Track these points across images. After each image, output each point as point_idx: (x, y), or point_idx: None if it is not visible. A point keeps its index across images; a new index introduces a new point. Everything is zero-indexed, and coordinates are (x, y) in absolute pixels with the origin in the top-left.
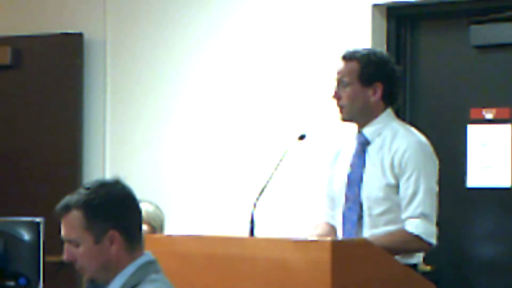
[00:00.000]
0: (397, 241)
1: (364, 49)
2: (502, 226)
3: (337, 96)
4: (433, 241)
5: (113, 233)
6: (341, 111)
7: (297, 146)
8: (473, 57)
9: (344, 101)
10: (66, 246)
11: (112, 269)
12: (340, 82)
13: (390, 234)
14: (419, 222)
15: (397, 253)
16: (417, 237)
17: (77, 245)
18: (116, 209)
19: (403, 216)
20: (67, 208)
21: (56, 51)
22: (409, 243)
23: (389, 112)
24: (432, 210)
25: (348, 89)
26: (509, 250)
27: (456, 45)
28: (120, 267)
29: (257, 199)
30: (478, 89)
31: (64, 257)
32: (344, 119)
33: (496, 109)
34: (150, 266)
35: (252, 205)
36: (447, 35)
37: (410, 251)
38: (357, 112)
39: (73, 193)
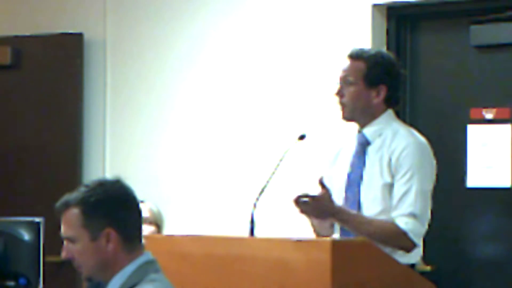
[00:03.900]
0: (385, 230)
1: (372, 49)
2: (502, 226)
3: (340, 93)
4: (419, 242)
5: (109, 231)
6: (342, 109)
7: (297, 146)
8: (473, 57)
9: (346, 100)
10: (64, 243)
11: (109, 268)
12: (344, 80)
13: (381, 221)
14: (408, 220)
15: (381, 243)
16: (404, 233)
17: (74, 242)
18: (113, 208)
19: (393, 214)
20: (66, 205)
21: (56, 51)
22: (395, 237)
23: (390, 113)
24: (423, 212)
25: (351, 88)
26: (509, 250)
27: (456, 45)
28: (118, 266)
29: (257, 199)
30: (478, 89)
31: (63, 254)
32: (345, 118)
33: (496, 109)
34: (149, 266)
35: (252, 205)
36: (447, 35)
37: (393, 245)
38: (358, 112)
39: (73, 192)
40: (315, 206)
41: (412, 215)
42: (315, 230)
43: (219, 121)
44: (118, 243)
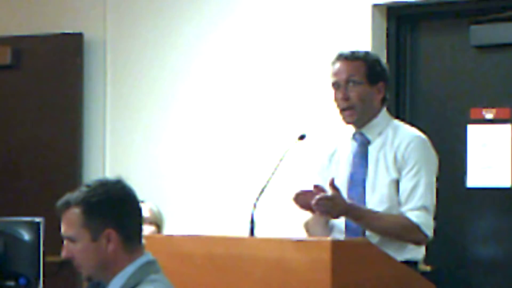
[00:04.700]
0: (398, 224)
1: (359, 50)
2: (502, 226)
3: (346, 97)
4: (430, 234)
5: (110, 232)
6: (348, 113)
7: (297, 146)
8: (473, 57)
9: (354, 101)
10: (65, 242)
11: (109, 269)
12: (348, 82)
13: (393, 216)
14: (419, 213)
15: (394, 237)
16: (417, 226)
17: (74, 242)
18: (114, 208)
19: (404, 208)
20: (67, 204)
21: (56, 51)
22: (408, 230)
23: (385, 111)
24: (432, 204)
25: (359, 88)
26: (509, 250)
27: (456, 45)
28: (118, 267)
29: (257, 199)
30: (478, 89)
31: (63, 254)
32: (351, 122)
33: (496, 109)
34: (149, 266)
35: (252, 205)
36: (447, 35)
37: (405, 239)
38: (365, 112)
39: (75, 191)
40: (330, 205)
41: (423, 207)
42: (308, 231)
43: (219, 121)
44: (118, 243)
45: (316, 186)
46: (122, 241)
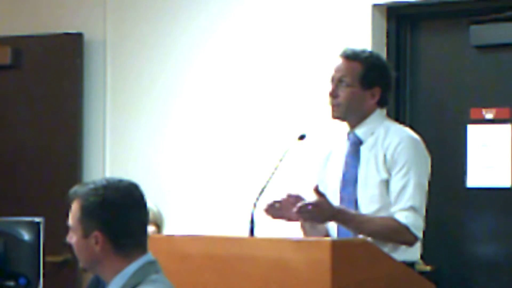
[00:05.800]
0: (386, 226)
1: (365, 51)
2: (502, 226)
3: (334, 94)
4: (420, 235)
5: (98, 235)
6: (334, 109)
7: (297, 146)
8: (473, 57)
9: (341, 100)
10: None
11: (100, 266)
12: (339, 81)
13: (381, 218)
14: (408, 214)
15: (383, 239)
16: (406, 227)
17: (73, 232)
18: (107, 214)
19: (393, 209)
20: (74, 195)
21: (56, 51)
22: (397, 232)
23: (379, 111)
24: (421, 205)
25: (347, 90)
26: (509, 250)
27: (456, 45)
28: (111, 267)
29: (257, 199)
30: (478, 89)
31: (67, 238)
32: (337, 118)
33: (496, 109)
34: (150, 267)
35: (252, 205)
36: (447, 35)
37: (395, 241)
38: (350, 113)
39: (86, 183)
40: (316, 211)
41: (412, 208)
42: (305, 233)
43: (219, 121)
44: (106, 246)
45: (289, 195)
46: (112, 245)
